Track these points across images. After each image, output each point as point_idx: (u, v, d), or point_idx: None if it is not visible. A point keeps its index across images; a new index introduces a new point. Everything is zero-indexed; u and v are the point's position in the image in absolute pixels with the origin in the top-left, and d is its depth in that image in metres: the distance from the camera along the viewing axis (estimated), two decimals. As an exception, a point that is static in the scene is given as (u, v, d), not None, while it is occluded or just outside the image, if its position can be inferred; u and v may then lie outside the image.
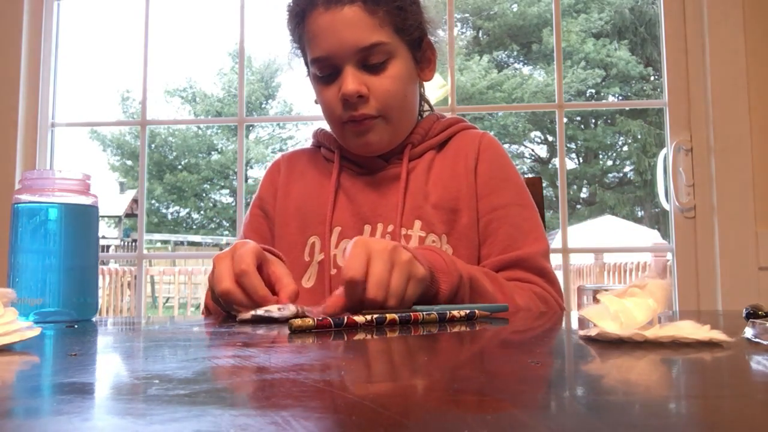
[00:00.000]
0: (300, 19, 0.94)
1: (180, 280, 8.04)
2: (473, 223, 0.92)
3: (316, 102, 1.00)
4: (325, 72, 0.92)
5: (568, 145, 14.82)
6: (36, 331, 0.46)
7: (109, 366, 0.41)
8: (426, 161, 0.96)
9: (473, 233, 0.92)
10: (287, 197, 1.00)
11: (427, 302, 0.77)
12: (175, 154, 17.85)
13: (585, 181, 16.06)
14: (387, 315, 0.57)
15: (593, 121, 15.77)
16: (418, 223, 0.91)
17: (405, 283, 0.67)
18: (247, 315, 0.65)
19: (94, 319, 0.74)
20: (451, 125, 1.00)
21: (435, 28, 0.99)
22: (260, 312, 0.64)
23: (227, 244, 14.46)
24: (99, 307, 0.81)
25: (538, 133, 16.26)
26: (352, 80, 0.89)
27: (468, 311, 0.62)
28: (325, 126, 1.03)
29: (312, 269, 0.92)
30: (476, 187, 0.94)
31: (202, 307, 0.97)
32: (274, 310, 0.64)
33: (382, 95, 0.90)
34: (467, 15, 15.38)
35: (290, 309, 0.64)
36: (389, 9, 0.90)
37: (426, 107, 1.06)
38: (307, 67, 0.99)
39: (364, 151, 0.96)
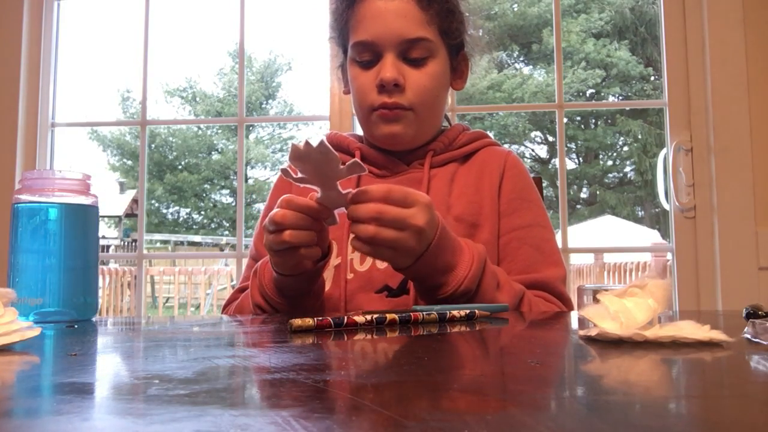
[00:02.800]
0: (351, 3, 0.95)
1: (180, 280, 8.03)
2: (493, 240, 0.92)
3: (345, 92, 1.01)
4: (365, 57, 0.93)
5: (568, 145, 14.83)
6: (36, 331, 0.46)
7: (109, 366, 0.41)
8: (448, 172, 0.96)
9: (492, 249, 0.92)
10: None
11: (429, 291, 0.78)
12: (175, 154, 17.85)
13: (585, 181, 16.06)
14: (387, 315, 0.57)
15: (593, 121, 15.77)
16: None
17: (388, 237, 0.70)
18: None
19: (94, 319, 0.74)
20: (477, 139, 1.00)
21: (474, 44, 1.02)
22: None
23: (227, 244, 14.49)
24: (99, 307, 0.81)
25: (538, 133, 16.26)
26: (391, 67, 0.90)
27: (468, 311, 0.62)
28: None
29: (328, 273, 0.90)
30: (498, 205, 0.94)
31: (207, 306, 0.97)
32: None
33: (417, 89, 0.92)
34: (467, 15, 15.36)
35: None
36: (440, 9, 0.93)
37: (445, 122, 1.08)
38: (344, 55, 0.99)
39: (389, 142, 0.96)
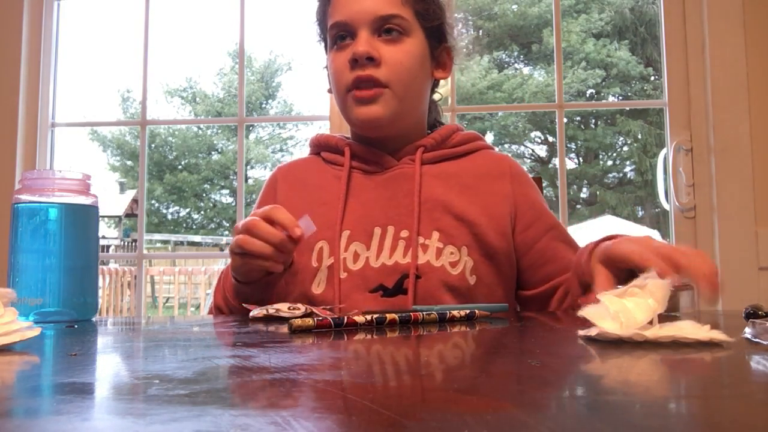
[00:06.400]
0: None
1: (180, 280, 8.04)
2: (501, 244, 0.92)
3: (328, 91, 1.00)
4: (341, 39, 0.93)
5: (568, 145, 14.82)
6: (36, 331, 0.46)
7: (109, 366, 0.41)
8: (441, 169, 0.95)
9: (501, 255, 0.92)
10: (289, 209, 0.98)
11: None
12: (175, 154, 17.85)
13: (585, 181, 16.06)
14: (387, 315, 0.57)
15: (593, 121, 15.76)
16: (436, 234, 0.90)
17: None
18: (259, 314, 0.66)
19: (94, 319, 0.74)
20: (472, 140, 0.99)
21: (454, 35, 1.02)
22: (271, 311, 0.66)
23: (227, 244, 14.45)
24: (99, 307, 0.81)
25: (538, 133, 16.25)
26: (364, 42, 0.90)
27: (468, 311, 0.62)
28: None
29: (321, 274, 0.90)
30: (516, 214, 0.95)
31: (207, 307, 0.97)
32: (284, 309, 0.65)
33: (392, 64, 0.91)
34: (467, 15, 15.38)
35: (300, 309, 0.66)
36: None
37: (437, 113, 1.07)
38: (326, 48, 0.99)
39: (368, 126, 0.94)
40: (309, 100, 18.57)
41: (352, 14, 0.91)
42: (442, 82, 1.04)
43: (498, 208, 0.93)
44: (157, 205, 17.80)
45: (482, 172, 0.96)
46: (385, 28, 0.91)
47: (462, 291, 0.88)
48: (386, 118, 0.92)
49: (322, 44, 1.01)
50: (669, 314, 0.59)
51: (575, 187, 15.82)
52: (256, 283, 0.82)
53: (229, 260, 0.84)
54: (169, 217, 18.23)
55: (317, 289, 0.90)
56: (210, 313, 0.95)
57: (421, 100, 0.98)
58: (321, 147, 1.03)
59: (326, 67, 1.00)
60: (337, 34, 0.93)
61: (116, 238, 15.52)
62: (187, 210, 18.27)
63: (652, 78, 14.92)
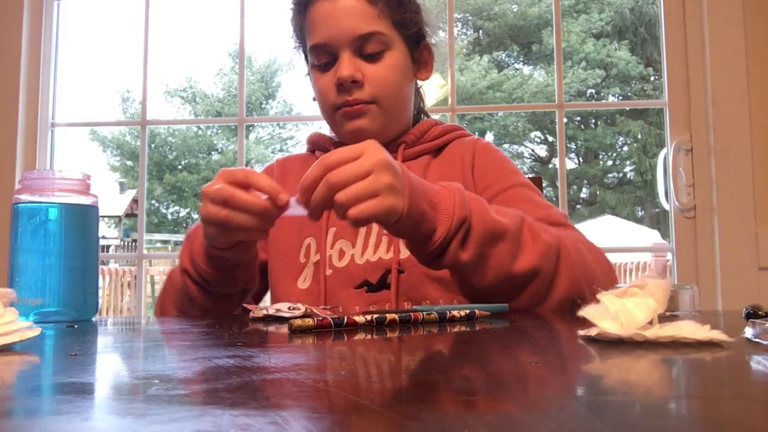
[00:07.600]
0: (303, 9, 0.96)
1: (180, 280, 8.02)
2: None
3: (314, 99, 1.01)
4: (323, 60, 0.93)
5: (568, 145, 14.82)
6: (36, 331, 0.46)
7: (109, 366, 0.41)
8: (421, 164, 0.96)
9: None
10: None
11: (420, 242, 0.72)
12: (175, 154, 17.85)
13: (585, 181, 16.06)
14: (387, 315, 0.57)
15: (593, 121, 15.76)
16: None
17: (364, 195, 0.64)
18: (259, 314, 0.66)
19: (94, 319, 0.74)
20: (449, 132, 0.99)
21: (434, 32, 1.01)
22: (271, 311, 0.66)
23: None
24: (99, 307, 0.81)
25: (538, 133, 16.25)
26: (347, 65, 0.90)
27: (468, 311, 0.62)
28: (324, 128, 1.03)
29: (308, 270, 0.91)
30: (474, 184, 0.93)
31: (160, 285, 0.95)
32: (284, 309, 0.66)
33: (377, 82, 0.91)
34: (467, 15, 15.38)
35: (300, 309, 0.66)
36: (389, 2, 0.92)
37: (424, 117, 1.07)
38: (307, 62, 1.00)
39: (356, 139, 0.94)
40: (309, 100, 18.53)
41: (330, 35, 0.91)
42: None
43: (469, 189, 0.93)
44: (157, 205, 17.79)
45: (455, 159, 0.97)
46: (366, 47, 0.91)
47: (447, 280, 0.87)
48: (374, 131, 0.93)
49: (300, 49, 1.01)
50: (669, 314, 0.59)
51: (575, 187, 15.82)
52: (232, 248, 0.77)
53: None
54: (169, 217, 18.23)
55: (303, 284, 0.91)
56: (167, 289, 0.91)
57: (408, 105, 0.99)
58: (314, 145, 1.05)
59: (308, 74, 1.01)
60: (318, 55, 0.93)
61: (116, 238, 15.52)
62: (187, 210, 18.26)
63: (652, 78, 14.92)
